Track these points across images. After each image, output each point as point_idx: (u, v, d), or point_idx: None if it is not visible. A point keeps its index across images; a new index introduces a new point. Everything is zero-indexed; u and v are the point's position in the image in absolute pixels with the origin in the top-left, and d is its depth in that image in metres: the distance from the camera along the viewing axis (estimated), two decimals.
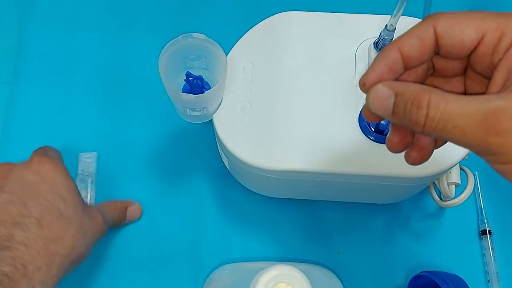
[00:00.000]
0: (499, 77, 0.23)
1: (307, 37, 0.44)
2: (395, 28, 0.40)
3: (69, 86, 0.55)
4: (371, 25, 0.45)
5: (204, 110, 0.41)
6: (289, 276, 0.35)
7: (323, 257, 0.49)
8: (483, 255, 0.49)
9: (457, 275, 0.45)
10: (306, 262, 0.49)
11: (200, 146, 0.53)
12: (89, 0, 0.59)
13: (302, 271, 0.35)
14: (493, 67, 0.24)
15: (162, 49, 0.39)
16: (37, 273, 0.34)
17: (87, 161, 0.52)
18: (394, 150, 0.28)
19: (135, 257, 0.49)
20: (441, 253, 0.50)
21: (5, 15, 0.60)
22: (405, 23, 0.44)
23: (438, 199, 0.47)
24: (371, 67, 0.26)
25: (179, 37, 0.39)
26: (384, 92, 0.25)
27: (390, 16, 0.39)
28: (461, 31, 0.24)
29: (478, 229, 0.51)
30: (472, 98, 0.22)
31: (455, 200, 0.44)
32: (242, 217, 0.51)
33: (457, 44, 0.24)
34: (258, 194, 0.50)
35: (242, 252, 0.50)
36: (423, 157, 0.28)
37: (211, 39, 0.40)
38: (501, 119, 0.21)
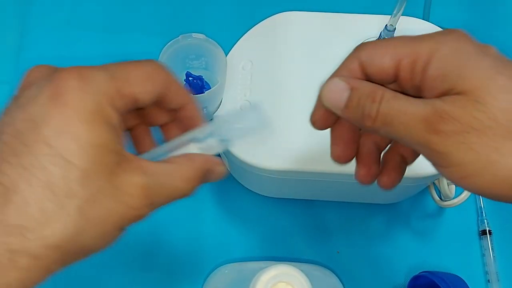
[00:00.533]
0: (429, 97, 0.25)
1: (307, 37, 0.44)
2: (395, 28, 0.40)
3: None
4: (371, 25, 0.45)
5: (204, 110, 0.41)
6: (289, 276, 0.35)
7: (323, 257, 0.49)
8: (483, 255, 0.49)
9: (457, 275, 0.45)
10: (306, 262, 0.49)
11: None
12: (89, 0, 0.59)
13: (302, 271, 0.35)
14: (419, 89, 0.25)
15: (162, 49, 0.39)
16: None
17: None
18: (364, 182, 0.30)
19: (135, 257, 0.49)
20: (441, 253, 0.50)
21: (5, 15, 0.60)
22: (405, 23, 0.44)
23: (438, 199, 0.47)
24: (316, 102, 0.28)
25: (179, 37, 0.39)
26: (340, 85, 0.26)
27: (390, 16, 0.39)
28: (380, 60, 0.26)
29: (478, 229, 0.51)
30: (419, 99, 0.24)
31: (455, 200, 0.44)
32: (242, 217, 0.51)
33: (380, 72, 0.26)
34: (258, 194, 0.50)
35: (242, 252, 0.50)
36: (395, 180, 0.30)
37: (211, 39, 0.40)
38: (443, 120, 0.23)
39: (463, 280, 0.44)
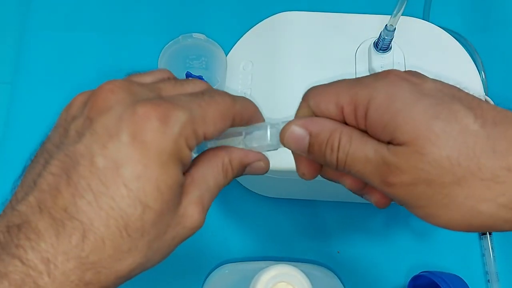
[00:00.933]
0: (380, 138, 0.25)
1: (307, 37, 0.44)
2: (395, 28, 0.40)
3: (69, 86, 0.55)
4: (371, 25, 0.45)
5: None
6: (289, 276, 0.35)
7: (323, 257, 0.49)
8: (483, 255, 0.49)
9: (457, 275, 0.45)
10: (306, 262, 0.49)
11: None
12: (89, 0, 0.59)
13: (302, 271, 0.35)
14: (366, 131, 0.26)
15: (162, 49, 0.39)
16: None
17: None
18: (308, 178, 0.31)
19: None
20: (441, 253, 0.50)
21: (5, 15, 0.60)
22: (405, 23, 0.44)
23: None
24: (294, 156, 0.30)
25: (179, 37, 0.39)
26: (298, 133, 0.27)
27: (390, 16, 0.39)
28: (325, 107, 0.27)
29: None
30: (372, 143, 0.25)
31: None
32: (242, 217, 0.51)
33: (330, 116, 0.27)
34: (258, 194, 0.50)
35: (242, 252, 0.50)
36: (388, 200, 0.31)
37: (211, 39, 0.40)
38: (392, 174, 0.24)
39: (463, 280, 0.44)
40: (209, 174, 0.27)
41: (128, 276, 0.25)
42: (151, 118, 0.23)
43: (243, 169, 0.29)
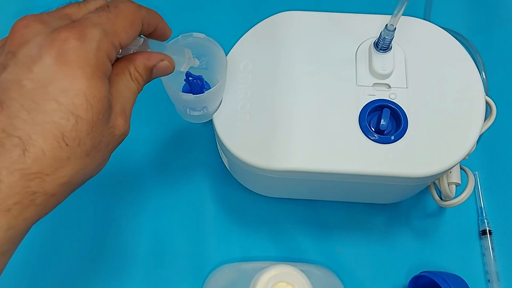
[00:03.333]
0: None
1: (307, 37, 0.44)
2: (395, 28, 0.40)
3: None
4: (372, 25, 0.45)
5: (204, 110, 0.41)
6: (289, 276, 0.35)
7: (323, 257, 0.49)
8: (483, 255, 0.49)
9: (457, 275, 0.45)
10: (306, 262, 0.49)
11: (200, 146, 0.53)
12: None
13: (302, 271, 0.35)
14: None
15: None
16: (3, 216, 0.25)
17: None
18: None
19: (135, 257, 0.49)
20: (441, 253, 0.50)
21: (5, 15, 0.60)
22: (405, 23, 0.44)
23: (439, 199, 0.47)
24: None
25: (179, 36, 0.39)
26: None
27: (390, 16, 0.39)
28: None
29: (478, 229, 0.51)
30: None
31: (456, 200, 0.44)
32: (242, 217, 0.51)
33: None
34: (258, 194, 0.50)
35: (242, 251, 0.50)
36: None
37: (211, 39, 0.40)
38: None
39: (464, 280, 0.44)
40: (123, 86, 0.30)
41: (72, 184, 0.27)
42: (69, 39, 0.26)
43: (150, 72, 0.32)
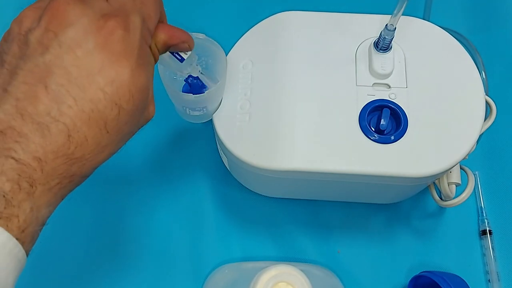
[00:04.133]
0: None
1: (307, 37, 0.44)
2: (395, 28, 0.40)
3: None
4: (372, 24, 0.45)
5: (204, 109, 0.41)
6: (289, 276, 0.35)
7: (323, 257, 0.49)
8: (484, 255, 0.49)
9: (457, 275, 0.45)
10: (306, 262, 0.49)
11: (200, 146, 0.53)
12: None
13: (302, 271, 0.35)
14: None
15: None
16: (45, 195, 0.26)
17: None
18: None
19: (135, 257, 0.49)
20: (441, 253, 0.50)
21: (5, 16, 0.60)
22: (405, 23, 0.44)
23: (439, 199, 0.47)
24: None
25: None
26: None
27: (390, 16, 0.39)
28: None
29: (479, 229, 0.50)
30: None
31: (456, 200, 0.44)
32: (242, 217, 0.51)
33: None
34: (258, 194, 0.50)
35: (242, 251, 0.50)
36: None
37: (211, 39, 0.40)
38: None
39: (464, 280, 0.44)
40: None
41: (101, 164, 0.28)
42: (116, 29, 0.26)
43: (167, 48, 0.32)
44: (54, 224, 0.49)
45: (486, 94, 0.44)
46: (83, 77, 0.26)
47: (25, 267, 0.49)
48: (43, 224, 0.26)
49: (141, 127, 0.31)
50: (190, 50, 0.34)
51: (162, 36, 0.31)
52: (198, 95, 0.38)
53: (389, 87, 0.42)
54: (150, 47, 0.30)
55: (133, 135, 0.30)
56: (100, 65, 0.26)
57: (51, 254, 0.49)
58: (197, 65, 0.37)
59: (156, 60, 0.31)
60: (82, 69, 0.26)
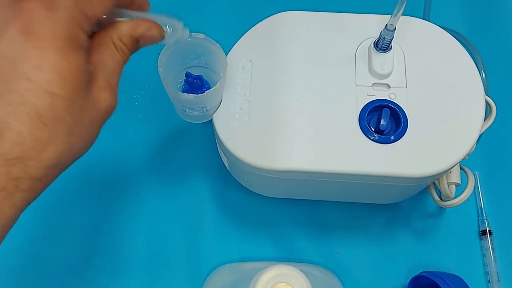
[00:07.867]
0: None
1: (307, 37, 0.44)
2: (395, 28, 0.40)
3: None
4: (371, 24, 0.44)
5: (204, 109, 0.41)
6: (289, 276, 0.35)
7: (323, 257, 0.49)
8: (484, 255, 0.49)
9: (457, 276, 0.45)
10: (306, 262, 0.49)
11: (200, 146, 0.53)
12: None
13: (302, 271, 0.35)
14: None
15: (161, 49, 0.39)
16: None
17: None
18: None
19: (134, 258, 0.49)
20: (441, 253, 0.49)
21: None
22: (405, 23, 0.44)
23: (438, 199, 0.47)
24: None
25: None
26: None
27: (390, 16, 0.39)
28: None
29: (479, 229, 0.50)
30: None
31: (455, 200, 0.44)
32: (241, 217, 0.51)
33: None
34: (258, 194, 0.50)
35: (242, 252, 0.49)
36: None
37: (211, 39, 0.40)
38: None
39: (464, 281, 0.44)
40: (107, 58, 0.28)
41: (59, 165, 0.26)
42: (36, 9, 0.24)
43: (137, 41, 0.30)
44: (53, 224, 0.50)
45: (486, 94, 0.43)
46: (6, 68, 0.23)
47: (23, 269, 0.49)
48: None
49: (102, 118, 0.28)
50: (162, 38, 0.31)
51: (124, 29, 0.29)
52: (198, 95, 0.38)
53: (389, 87, 0.42)
54: (113, 42, 0.28)
55: (91, 128, 0.27)
56: (22, 51, 0.23)
57: (51, 254, 0.49)
58: (184, 29, 0.34)
59: (126, 59, 0.29)
60: (4, 59, 0.23)
